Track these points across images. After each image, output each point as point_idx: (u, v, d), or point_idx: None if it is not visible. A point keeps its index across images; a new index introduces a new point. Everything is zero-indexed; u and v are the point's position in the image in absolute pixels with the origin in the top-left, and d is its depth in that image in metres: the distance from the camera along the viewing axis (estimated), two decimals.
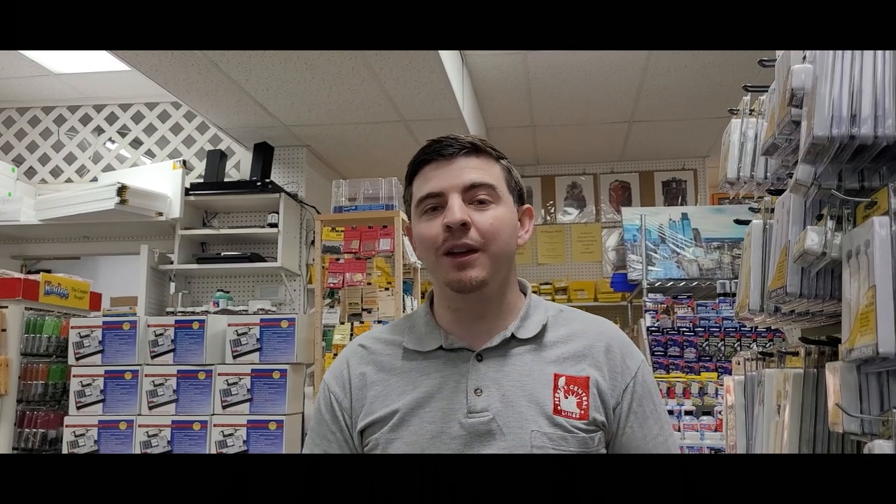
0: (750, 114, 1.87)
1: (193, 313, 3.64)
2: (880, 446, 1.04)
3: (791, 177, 1.32)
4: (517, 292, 1.19)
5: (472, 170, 1.12)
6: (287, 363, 3.32)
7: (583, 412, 1.08)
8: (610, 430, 1.11)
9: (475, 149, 1.14)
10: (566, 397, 1.08)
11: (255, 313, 3.49)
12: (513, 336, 1.13)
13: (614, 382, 1.12)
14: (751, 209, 1.77)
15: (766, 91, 1.74)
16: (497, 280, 1.12)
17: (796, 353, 1.50)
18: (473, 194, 1.10)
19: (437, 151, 1.13)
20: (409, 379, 1.13)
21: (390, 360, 1.16)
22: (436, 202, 1.11)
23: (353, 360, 1.19)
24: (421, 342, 1.15)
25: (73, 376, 3.39)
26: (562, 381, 1.09)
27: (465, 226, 1.08)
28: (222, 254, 4.78)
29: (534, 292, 1.24)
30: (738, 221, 1.85)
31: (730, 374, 1.90)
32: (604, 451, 1.12)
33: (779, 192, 1.55)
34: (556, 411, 1.07)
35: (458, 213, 1.08)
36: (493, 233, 1.10)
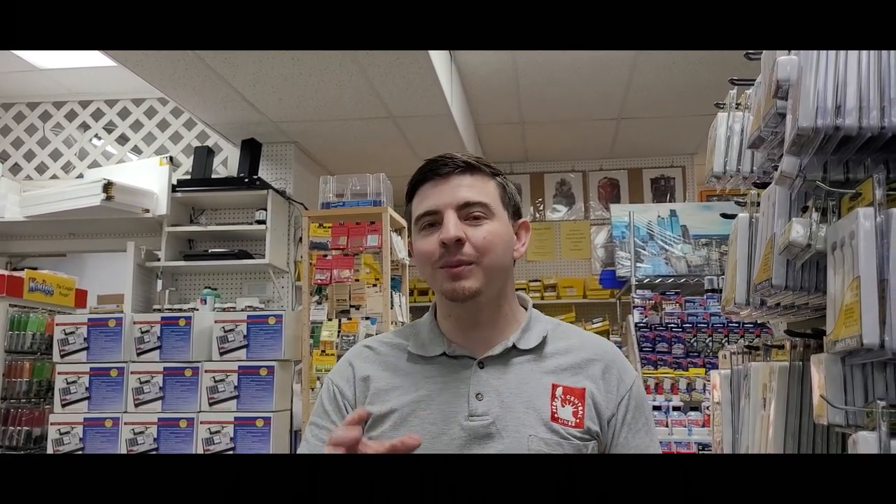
0: (736, 108, 1.86)
1: (181, 310, 3.61)
2: (864, 438, 1.04)
3: (777, 169, 1.32)
4: (516, 305, 1.24)
5: (467, 188, 1.16)
6: (274, 360, 3.31)
7: (578, 421, 1.13)
8: (604, 440, 1.16)
9: (470, 167, 1.18)
10: (563, 406, 1.13)
11: (242, 310, 3.47)
12: (514, 346, 1.18)
13: (609, 395, 1.17)
14: (737, 203, 1.77)
15: (753, 85, 1.74)
16: (492, 291, 1.17)
17: (782, 347, 1.50)
18: (468, 211, 1.15)
19: (433, 171, 1.18)
20: (412, 380, 1.18)
21: (395, 361, 1.21)
22: (432, 219, 1.16)
23: (358, 359, 1.24)
24: (424, 348, 1.20)
25: (58, 374, 3.37)
26: (559, 390, 1.14)
27: (459, 241, 1.13)
28: (210, 251, 4.74)
29: (521, 289, 1.26)
30: (724, 215, 1.85)
31: (717, 369, 1.90)
32: None
33: (764, 186, 1.55)
34: (553, 418, 1.12)
35: (452, 230, 1.12)
36: (486, 246, 1.14)
